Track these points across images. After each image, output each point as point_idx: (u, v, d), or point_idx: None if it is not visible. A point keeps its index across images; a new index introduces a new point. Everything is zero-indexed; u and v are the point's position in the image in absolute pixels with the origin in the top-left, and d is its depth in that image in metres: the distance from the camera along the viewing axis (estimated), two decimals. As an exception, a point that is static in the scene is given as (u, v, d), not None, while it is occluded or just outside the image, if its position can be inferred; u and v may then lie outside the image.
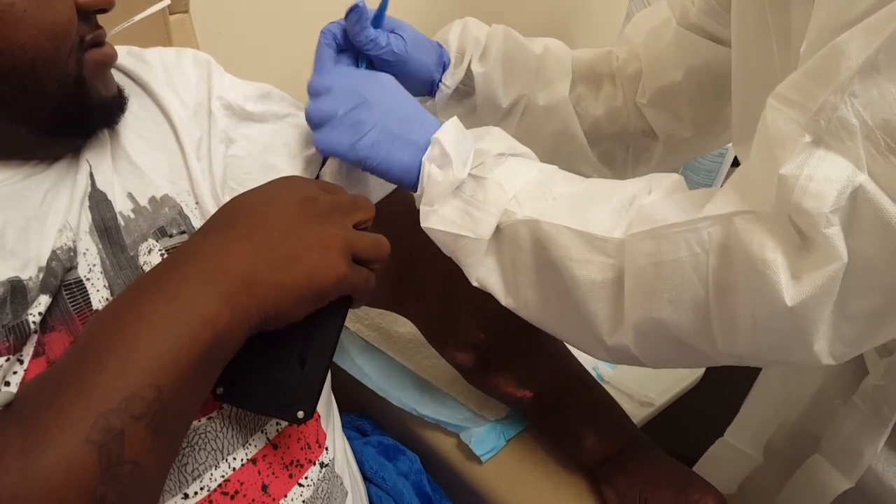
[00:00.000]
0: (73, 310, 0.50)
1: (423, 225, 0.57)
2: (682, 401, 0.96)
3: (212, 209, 0.59)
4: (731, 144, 0.93)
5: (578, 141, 0.81)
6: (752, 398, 0.84)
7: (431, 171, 0.56)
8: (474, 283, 0.57)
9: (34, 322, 0.46)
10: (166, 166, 0.60)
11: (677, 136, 0.79)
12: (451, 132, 0.58)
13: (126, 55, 0.65)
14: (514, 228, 0.55)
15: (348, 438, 0.72)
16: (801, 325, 0.42)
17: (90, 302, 0.50)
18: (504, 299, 0.57)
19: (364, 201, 0.52)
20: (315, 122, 0.60)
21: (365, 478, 0.72)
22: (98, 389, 0.37)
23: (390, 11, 0.69)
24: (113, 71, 0.61)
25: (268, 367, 0.48)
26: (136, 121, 0.61)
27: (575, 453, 0.72)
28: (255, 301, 0.43)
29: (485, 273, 0.57)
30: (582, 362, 0.74)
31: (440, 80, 0.76)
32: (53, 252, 0.50)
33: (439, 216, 0.57)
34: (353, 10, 0.64)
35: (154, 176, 0.58)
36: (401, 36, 0.69)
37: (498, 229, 0.56)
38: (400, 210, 0.69)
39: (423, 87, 0.76)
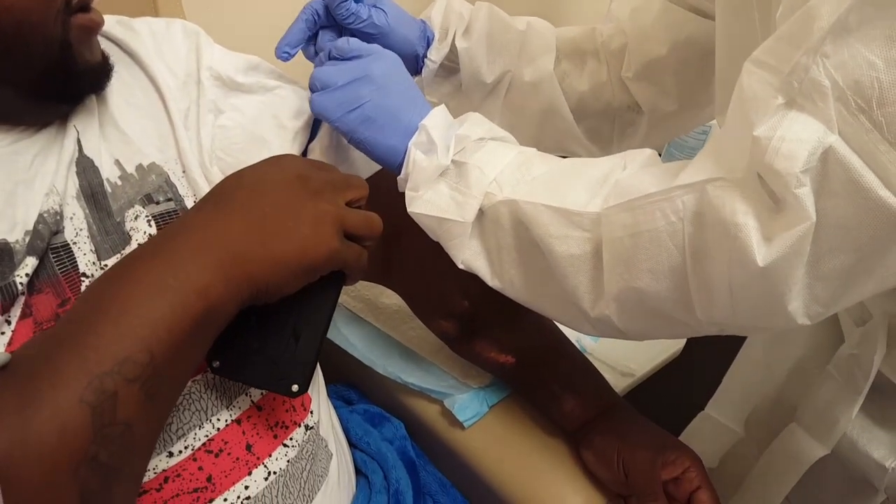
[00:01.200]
0: (60, 273, 0.51)
1: (409, 210, 0.59)
2: (662, 372, 0.98)
3: (199, 178, 0.60)
4: (714, 121, 0.94)
5: (565, 117, 0.82)
6: (732, 371, 0.86)
7: (417, 157, 0.58)
8: (460, 266, 0.59)
9: (21, 283, 0.47)
10: (154, 134, 0.60)
11: (662, 110, 0.80)
12: (438, 119, 0.59)
13: (115, 24, 0.65)
14: (496, 210, 0.56)
15: (334, 407, 0.74)
16: (774, 286, 0.44)
17: (77, 265, 0.51)
18: (490, 280, 0.59)
19: (357, 180, 0.53)
20: (315, 87, 0.62)
21: (351, 444, 0.74)
22: (93, 352, 0.38)
23: None
24: (102, 39, 0.61)
25: (263, 342, 0.50)
26: (124, 88, 0.62)
27: (556, 417, 0.74)
28: (247, 274, 0.44)
29: (470, 255, 0.59)
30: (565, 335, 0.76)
31: (425, 56, 0.77)
32: (40, 215, 0.51)
33: (424, 201, 0.58)
34: None
35: (142, 143, 0.59)
36: (382, 10, 0.70)
37: (481, 212, 0.57)
38: (385, 183, 0.70)
39: (408, 62, 0.76)
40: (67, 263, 0.51)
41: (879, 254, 0.42)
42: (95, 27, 0.55)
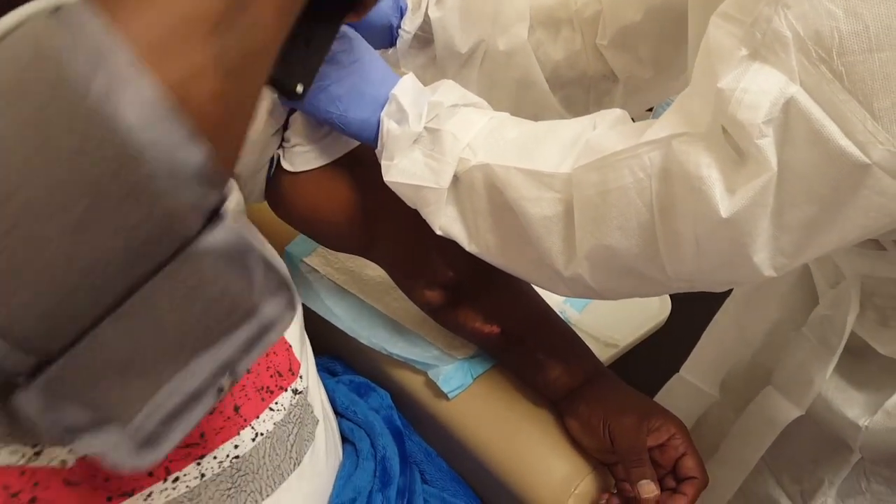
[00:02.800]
0: None
1: (385, 179, 0.60)
2: (646, 342, 1.00)
3: None
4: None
5: (540, 86, 0.82)
6: (707, 334, 0.88)
7: (390, 127, 0.59)
8: (438, 232, 0.60)
9: None
10: None
11: (637, 77, 0.82)
12: (407, 88, 0.60)
13: None
14: (470, 175, 0.57)
15: (321, 379, 0.75)
16: (738, 237, 0.45)
17: None
18: (468, 245, 0.60)
19: None
20: None
21: (337, 413, 0.75)
22: None
23: None
24: None
25: None
26: None
27: (540, 387, 0.75)
28: None
29: (447, 221, 0.60)
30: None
31: (399, 27, 0.78)
32: None
33: (399, 169, 0.59)
34: None
35: None
36: None
37: (455, 177, 0.58)
38: (364, 158, 0.71)
39: (382, 32, 0.78)
40: None
41: (841, 204, 0.43)
42: None
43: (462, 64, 0.82)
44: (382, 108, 0.60)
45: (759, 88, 0.42)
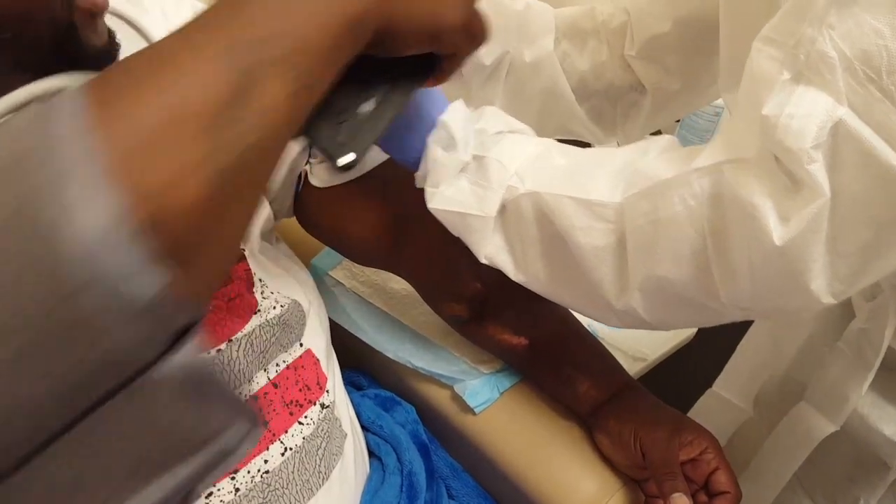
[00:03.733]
0: None
1: (429, 206, 0.59)
2: (675, 356, 0.99)
3: None
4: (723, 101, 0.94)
5: (566, 98, 0.82)
6: (741, 349, 0.87)
7: (437, 154, 0.58)
8: (483, 261, 0.60)
9: None
10: None
11: (665, 89, 0.81)
12: (457, 115, 0.59)
13: (124, 1, 0.66)
14: (518, 203, 0.57)
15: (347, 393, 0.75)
16: (794, 265, 0.44)
17: None
18: (514, 275, 0.60)
19: None
20: None
21: (363, 427, 0.75)
22: (238, 29, 0.33)
23: None
24: (109, 16, 0.62)
25: (340, 101, 0.47)
26: None
27: (568, 400, 0.74)
28: (388, 11, 0.41)
29: (493, 250, 0.59)
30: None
31: None
32: None
33: (445, 197, 0.59)
34: None
35: None
36: None
37: (502, 206, 0.58)
38: (391, 172, 0.71)
39: None
40: None
41: None
42: (98, 10, 0.57)
43: (487, 76, 0.83)
44: (428, 132, 0.59)
45: (805, 113, 0.41)
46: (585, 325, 0.78)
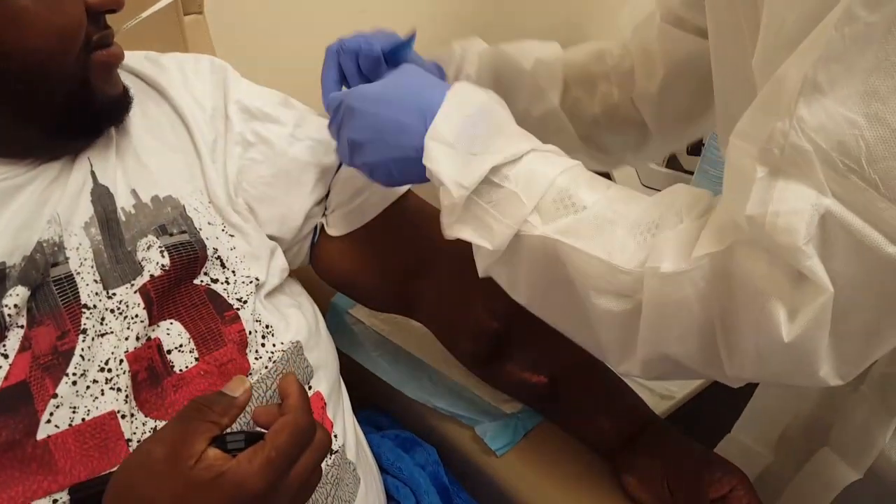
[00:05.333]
0: (62, 304, 0.53)
1: (444, 233, 0.58)
2: (703, 394, 0.96)
3: (225, 207, 0.64)
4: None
5: (573, 142, 0.84)
6: (759, 393, 0.85)
7: (441, 197, 0.57)
8: (481, 275, 0.59)
9: (8, 315, 0.50)
10: (183, 167, 0.63)
11: (669, 129, 0.83)
12: (439, 153, 0.56)
13: (143, 60, 0.68)
14: (533, 243, 0.55)
15: (364, 433, 0.74)
16: (802, 356, 0.44)
17: (79, 296, 0.54)
18: (513, 296, 0.59)
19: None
20: (333, 137, 0.65)
21: (382, 469, 0.74)
22: None
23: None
24: (128, 75, 0.64)
25: None
26: (151, 123, 0.64)
27: (591, 439, 0.74)
28: None
29: (498, 272, 0.59)
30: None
31: None
32: (39, 244, 0.54)
33: (458, 225, 0.57)
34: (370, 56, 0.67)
35: (164, 177, 0.62)
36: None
37: (517, 236, 0.55)
38: (403, 215, 0.71)
39: None
40: (69, 294, 0.54)
41: None
42: (115, 61, 0.58)
43: None
44: (420, 154, 0.57)
45: (790, 209, 0.40)
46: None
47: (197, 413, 0.47)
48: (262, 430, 0.47)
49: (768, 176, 0.41)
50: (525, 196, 0.54)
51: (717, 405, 0.98)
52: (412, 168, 0.58)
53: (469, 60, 0.81)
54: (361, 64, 0.69)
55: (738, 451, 0.86)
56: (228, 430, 0.47)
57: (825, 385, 0.46)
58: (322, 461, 0.49)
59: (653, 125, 0.82)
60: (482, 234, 0.56)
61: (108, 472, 0.52)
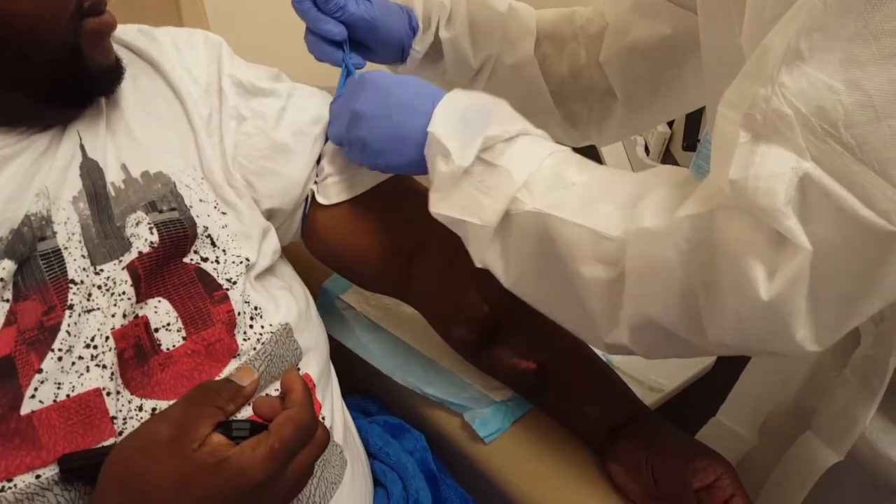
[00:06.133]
0: (49, 279, 0.53)
1: (430, 210, 0.61)
2: (693, 387, 0.97)
3: (221, 182, 0.63)
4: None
5: (545, 99, 0.84)
6: (744, 377, 0.86)
7: (437, 163, 0.59)
8: (478, 265, 0.60)
9: None
10: (176, 142, 0.62)
11: (635, 97, 0.83)
12: (442, 121, 0.60)
13: (136, 33, 0.67)
14: (522, 218, 0.56)
15: (353, 419, 0.73)
16: (780, 317, 0.45)
17: (66, 271, 0.53)
18: (506, 282, 0.60)
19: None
20: (336, 143, 0.67)
21: (369, 454, 0.74)
22: None
23: None
24: (121, 48, 0.63)
25: None
26: (143, 97, 0.63)
27: (580, 428, 0.73)
28: None
29: (490, 257, 0.60)
30: (591, 348, 0.77)
31: (409, 46, 0.80)
32: (27, 217, 0.53)
33: (447, 202, 0.59)
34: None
35: (155, 151, 0.62)
36: (369, 1, 0.73)
37: (507, 215, 0.57)
38: (398, 196, 0.71)
39: (395, 52, 0.80)
40: (57, 269, 0.54)
41: (875, 273, 0.43)
42: (107, 30, 0.57)
43: (471, 78, 0.85)
44: (423, 145, 0.61)
45: (770, 172, 0.42)
46: (598, 354, 0.76)
47: (204, 397, 0.47)
48: (266, 423, 0.47)
49: (751, 141, 0.43)
50: (516, 173, 0.56)
51: (705, 398, 0.99)
52: (406, 151, 0.61)
53: (438, 4, 0.80)
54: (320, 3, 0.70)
55: (722, 434, 0.87)
56: (233, 418, 0.48)
57: (803, 351, 0.46)
58: (319, 458, 0.50)
59: (618, 89, 0.82)
60: (472, 211, 0.58)
61: (98, 445, 0.51)
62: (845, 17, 0.39)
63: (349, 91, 0.66)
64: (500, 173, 0.57)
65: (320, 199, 0.71)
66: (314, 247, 0.76)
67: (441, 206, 0.60)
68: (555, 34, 0.83)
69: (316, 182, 0.72)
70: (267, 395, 0.58)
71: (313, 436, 0.48)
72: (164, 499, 0.43)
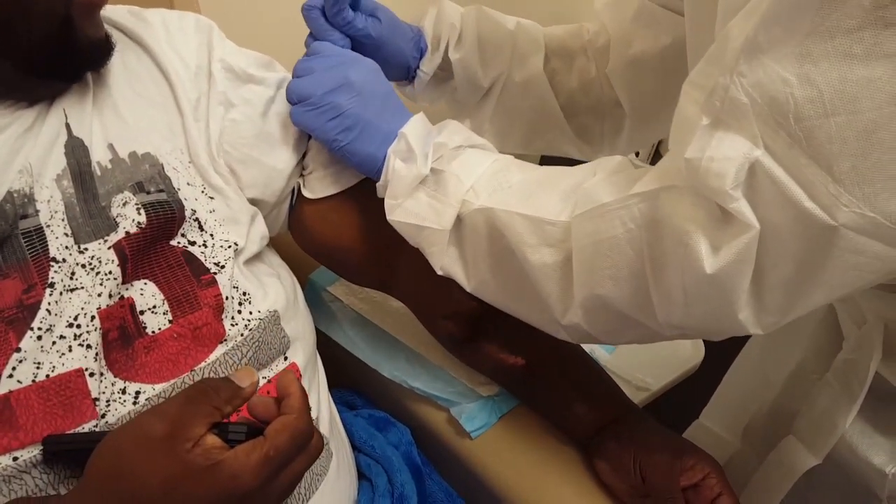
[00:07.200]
0: (31, 257, 0.52)
1: (388, 218, 0.62)
2: (678, 388, 0.97)
3: (207, 166, 0.62)
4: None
5: (555, 115, 0.84)
6: (727, 380, 0.86)
7: (396, 166, 0.61)
8: (439, 272, 0.62)
9: None
10: (164, 124, 0.62)
11: (642, 108, 0.83)
12: (417, 127, 0.62)
13: (127, 14, 0.66)
14: (473, 217, 0.59)
15: (338, 412, 0.72)
16: (723, 294, 0.46)
17: (48, 249, 0.52)
18: (467, 286, 0.61)
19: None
20: (293, 100, 0.64)
21: (354, 447, 0.73)
22: None
23: None
24: (112, 29, 0.62)
25: None
26: (131, 76, 0.63)
27: (567, 423, 0.73)
28: None
29: (448, 262, 0.61)
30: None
31: (417, 67, 0.80)
32: (9, 193, 0.52)
33: (404, 209, 0.61)
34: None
35: (143, 132, 0.61)
36: (378, 19, 0.73)
37: (458, 219, 0.60)
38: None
39: (400, 71, 0.80)
40: (38, 247, 0.53)
41: (818, 263, 0.43)
42: (99, 1, 0.56)
43: (482, 97, 0.85)
44: (390, 143, 0.62)
45: (723, 156, 0.43)
46: (587, 352, 0.75)
47: (202, 395, 0.46)
48: (261, 425, 0.46)
49: (710, 126, 0.44)
50: (464, 177, 0.60)
51: (689, 398, 0.99)
52: (375, 141, 0.62)
53: (448, 25, 0.80)
54: (327, 10, 0.69)
55: (706, 437, 0.87)
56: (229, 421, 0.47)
57: (746, 332, 0.47)
58: (310, 467, 0.49)
59: (624, 100, 0.82)
60: (427, 217, 0.60)
61: (81, 429, 0.50)
62: (804, 12, 0.39)
63: (343, 58, 0.65)
64: (449, 179, 0.60)
65: (306, 193, 0.71)
66: (301, 239, 0.75)
67: (398, 214, 0.61)
68: (563, 49, 0.84)
69: (302, 175, 0.71)
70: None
71: (308, 444, 0.48)
72: (152, 497, 0.42)
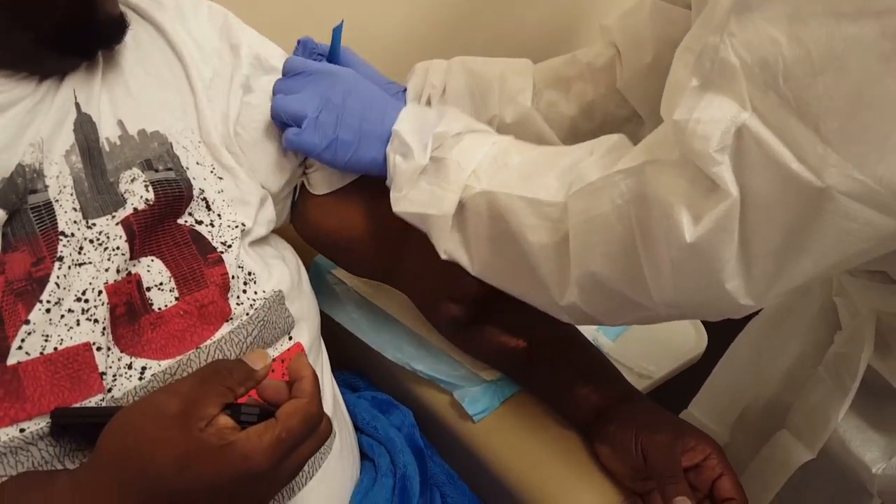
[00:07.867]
0: (39, 230, 0.52)
1: (394, 209, 0.63)
2: (680, 376, 0.97)
3: (219, 146, 0.63)
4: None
5: (555, 145, 0.84)
6: (718, 371, 0.85)
7: (396, 161, 0.63)
8: (443, 256, 0.63)
9: None
10: (175, 104, 0.63)
11: (657, 113, 0.81)
12: (407, 122, 0.64)
13: None
14: (475, 201, 0.60)
15: (341, 394, 0.73)
16: (708, 263, 0.46)
17: (56, 223, 0.53)
18: (471, 269, 0.62)
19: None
20: (281, 119, 0.65)
21: (357, 429, 0.74)
22: None
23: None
24: (128, 10, 0.63)
25: None
26: (143, 55, 0.63)
27: (568, 407, 0.73)
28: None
29: (452, 246, 0.62)
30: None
31: None
32: (20, 166, 0.53)
33: (407, 199, 0.62)
34: (299, 44, 0.71)
35: (153, 110, 0.61)
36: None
37: (461, 204, 0.61)
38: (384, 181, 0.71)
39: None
40: (47, 221, 0.53)
41: (806, 229, 0.43)
42: None
43: None
44: (387, 144, 0.63)
45: (710, 118, 0.43)
46: (590, 340, 0.76)
47: (216, 374, 0.47)
48: (272, 408, 0.47)
49: (699, 87, 0.44)
50: (464, 163, 0.61)
51: (692, 386, 0.99)
52: (375, 146, 0.64)
53: (430, 87, 0.81)
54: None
55: None
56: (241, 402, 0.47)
57: (737, 304, 0.47)
58: (319, 450, 0.50)
59: (643, 111, 0.82)
60: (431, 204, 0.61)
61: (87, 403, 0.51)
62: None
63: (321, 73, 0.66)
64: (450, 166, 0.61)
65: (310, 189, 0.72)
66: (305, 233, 0.77)
67: (402, 205, 0.63)
68: (558, 79, 0.83)
69: (305, 172, 0.72)
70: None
71: (318, 428, 0.48)
72: (164, 474, 0.43)
